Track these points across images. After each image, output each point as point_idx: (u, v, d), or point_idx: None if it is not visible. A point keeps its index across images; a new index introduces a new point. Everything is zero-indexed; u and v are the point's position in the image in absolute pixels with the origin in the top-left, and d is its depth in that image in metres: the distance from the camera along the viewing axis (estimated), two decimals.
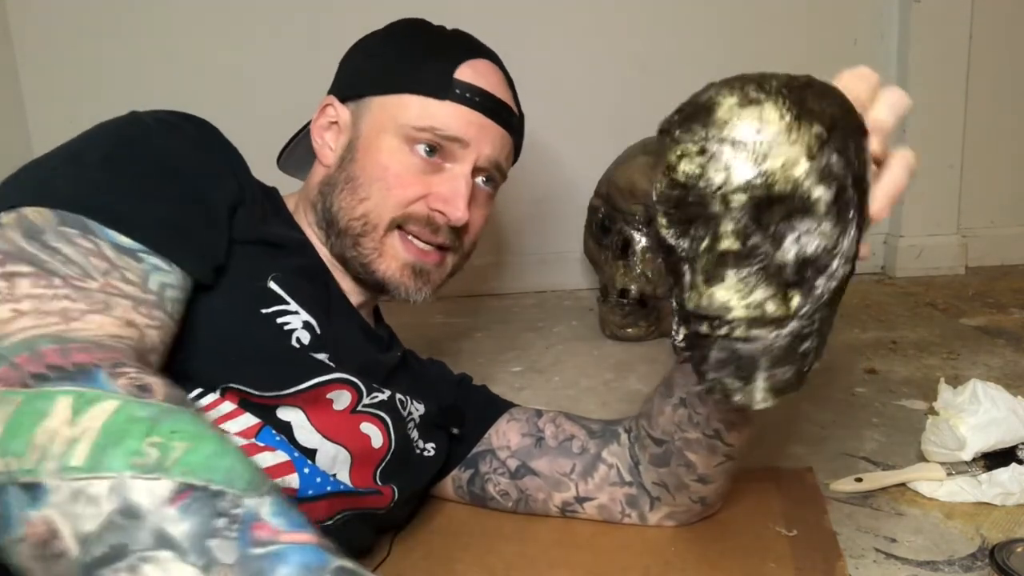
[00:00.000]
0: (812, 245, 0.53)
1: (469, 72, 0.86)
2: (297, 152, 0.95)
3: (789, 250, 0.53)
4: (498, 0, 1.81)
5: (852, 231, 0.55)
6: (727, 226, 0.54)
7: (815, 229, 0.53)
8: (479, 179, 0.87)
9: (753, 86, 0.54)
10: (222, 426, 0.68)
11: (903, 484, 0.94)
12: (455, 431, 0.91)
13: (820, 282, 0.55)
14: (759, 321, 0.55)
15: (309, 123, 0.93)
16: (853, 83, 0.57)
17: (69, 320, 0.55)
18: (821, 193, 0.52)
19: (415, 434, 0.86)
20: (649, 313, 1.56)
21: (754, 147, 0.52)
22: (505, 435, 0.92)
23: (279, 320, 0.74)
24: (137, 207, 0.64)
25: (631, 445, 0.86)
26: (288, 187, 0.94)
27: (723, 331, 0.56)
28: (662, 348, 1.52)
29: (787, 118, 0.52)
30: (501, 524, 0.91)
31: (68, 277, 0.58)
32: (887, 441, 1.07)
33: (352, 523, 0.77)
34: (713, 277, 0.55)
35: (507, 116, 0.88)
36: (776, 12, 1.86)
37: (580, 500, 0.88)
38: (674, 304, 0.60)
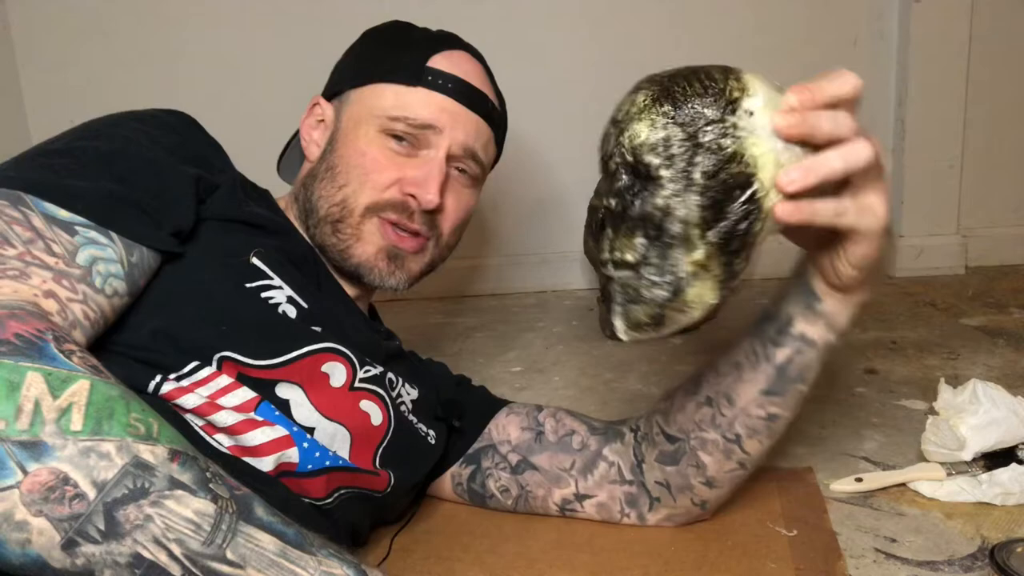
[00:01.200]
0: (650, 205, 0.63)
1: (443, 61, 0.88)
2: (292, 158, 0.97)
3: (635, 207, 0.64)
4: (498, 1, 1.81)
5: (690, 197, 0.62)
6: (612, 186, 0.66)
7: (654, 192, 0.63)
8: (455, 167, 0.89)
9: (649, 76, 0.67)
10: (219, 400, 0.69)
11: (903, 484, 0.94)
12: (456, 423, 0.92)
13: (665, 239, 0.64)
14: (617, 264, 0.66)
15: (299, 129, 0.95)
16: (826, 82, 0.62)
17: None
18: (654, 160, 0.62)
19: (413, 418, 0.86)
20: None
21: (620, 124, 0.64)
22: (505, 429, 0.92)
23: (263, 295, 0.75)
24: (80, 183, 0.65)
25: (636, 444, 0.86)
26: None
27: (601, 272, 0.69)
28: (662, 348, 1.52)
29: (647, 100, 0.64)
30: (501, 524, 0.91)
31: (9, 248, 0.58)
32: (887, 441, 1.07)
33: (351, 503, 0.77)
34: (601, 231, 0.69)
35: (482, 103, 0.89)
36: (776, 12, 1.86)
37: (580, 497, 0.88)
38: None
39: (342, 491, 0.76)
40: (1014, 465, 0.90)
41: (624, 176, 0.65)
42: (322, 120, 0.92)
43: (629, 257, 0.65)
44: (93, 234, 0.63)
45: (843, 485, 0.94)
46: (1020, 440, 0.92)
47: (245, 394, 0.70)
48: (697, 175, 0.62)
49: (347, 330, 0.81)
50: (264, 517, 0.52)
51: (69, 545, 0.46)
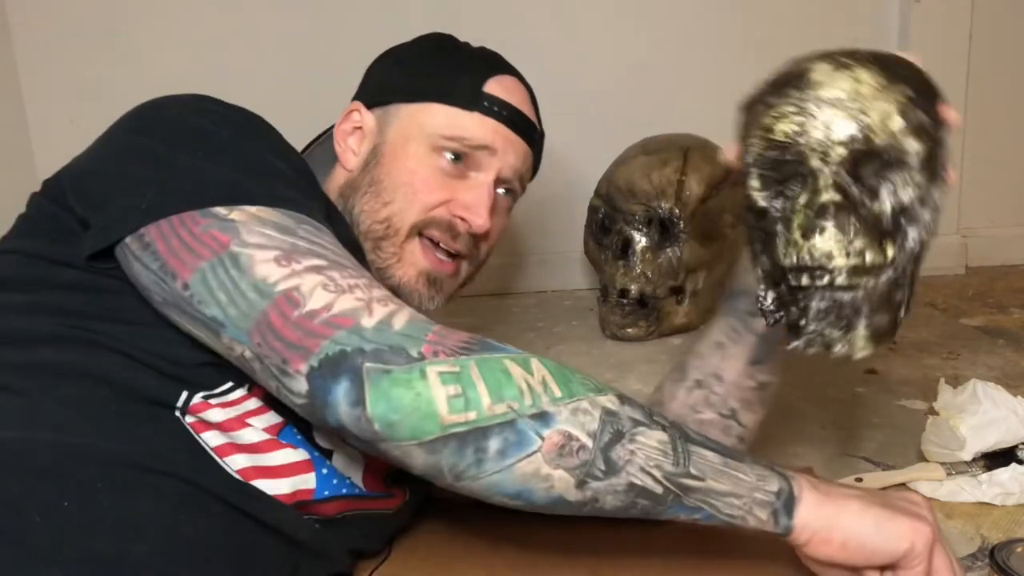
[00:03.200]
0: (907, 196, 0.58)
1: (497, 87, 0.88)
2: (314, 157, 0.96)
3: (885, 200, 0.58)
4: (497, 1, 1.81)
5: (941, 185, 0.59)
6: (826, 180, 0.58)
7: (909, 181, 0.58)
8: (500, 189, 0.90)
9: (842, 54, 0.59)
10: (247, 421, 0.68)
11: (903, 484, 0.94)
12: None
13: (912, 232, 0.59)
14: (859, 269, 0.59)
15: (327, 130, 0.94)
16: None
17: (390, 302, 0.63)
18: (915, 146, 0.57)
19: None
20: (649, 313, 1.56)
21: (852, 105, 0.57)
22: None
23: None
24: (299, 200, 0.69)
25: None
26: None
27: (825, 280, 0.60)
28: (662, 348, 1.52)
29: (879, 79, 0.57)
30: (502, 524, 0.91)
31: (348, 266, 0.65)
32: (887, 441, 1.07)
33: (355, 522, 0.77)
34: (811, 230, 0.59)
35: (530, 132, 0.91)
36: (776, 12, 1.86)
37: None
38: (762, 268, 0.65)
39: (350, 512, 0.76)
40: (1014, 465, 0.90)
41: (848, 165, 0.57)
42: (359, 127, 0.90)
43: (878, 258, 0.59)
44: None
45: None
46: (1020, 440, 0.92)
47: (272, 418, 0.70)
48: (938, 167, 0.59)
49: None
50: (697, 436, 0.63)
51: (581, 485, 0.59)
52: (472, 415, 0.57)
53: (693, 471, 0.61)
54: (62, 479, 0.58)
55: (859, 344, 0.61)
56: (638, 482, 0.60)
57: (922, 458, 0.97)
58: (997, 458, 0.92)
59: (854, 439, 1.08)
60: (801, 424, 1.13)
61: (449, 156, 0.85)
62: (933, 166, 0.58)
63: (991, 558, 0.70)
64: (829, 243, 0.58)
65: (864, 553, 0.63)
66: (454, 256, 0.88)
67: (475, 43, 0.95)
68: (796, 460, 1.02)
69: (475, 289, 1.96)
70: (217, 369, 0.67)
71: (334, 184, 0.90)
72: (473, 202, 0.85)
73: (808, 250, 0.59)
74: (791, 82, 0.59)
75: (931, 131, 0.58)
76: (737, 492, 0.62)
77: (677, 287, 1.57)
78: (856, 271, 0.59)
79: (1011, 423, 0.92)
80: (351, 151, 0.90)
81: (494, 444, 0.57)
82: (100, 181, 0.70)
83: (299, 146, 0.97)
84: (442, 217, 0.85)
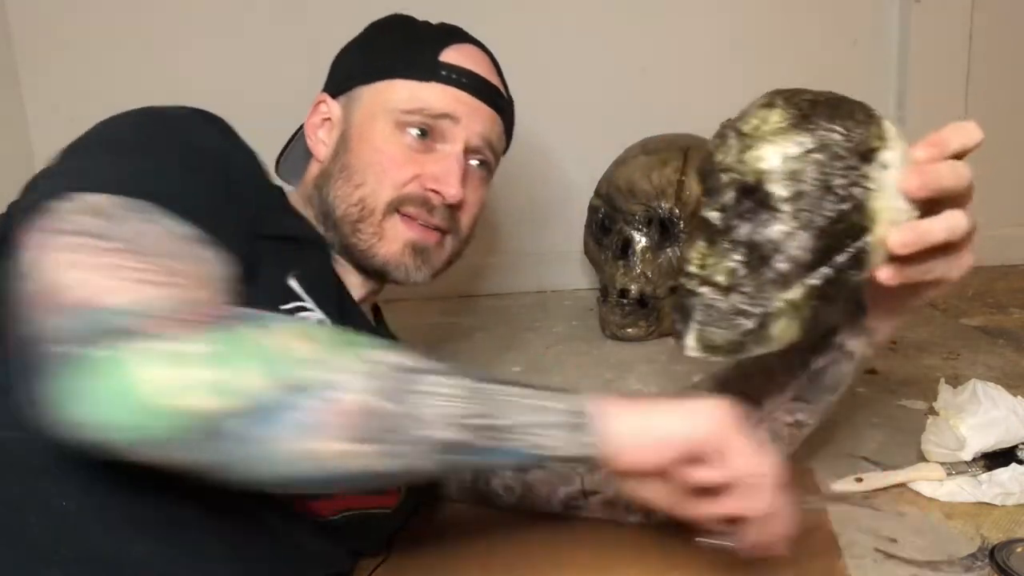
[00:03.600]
0: (760, 235, 0.61)
1: (455, 55, 0.87)
2: (292, 157, 0.96)
3: (743, 232, 0.62)
4: (497, 0, 1.81)
5: (804, 237, 0.60)
6: (718, 199, 0.63)
7: (768, 222, 0.61)
8: (472, 160, 0.89)
9: (786, 94, 0.62)
10: None
11: (903, 484, 0.94)
12: None
13: (766, 272, 0.61)
14: (705, 281, 0.64)
15: (301, 126, 0.94)
16: (949, 134, 0.64)
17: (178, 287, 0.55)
18: (779, 191, 0.60)
19: None
20: (649, 313, 1.56)
21: (748, 139, 0.61)
22: None
23: (299, 316, 0.74)
24: (182, 194, 0.63)
25: None
26: None
27: (682, 280, 0.67)
28: (662, 348, 1.51)
29: (783, 124, 0.60)
30: (501, 524, 0.91)
31: (152, 255, 0.57)
32: (887, 441, 1.07)
33: (358, 522, 0.77)
34: (692, 237, 0.67)
35: (495, 97, 0.89)
36: (776, 12, 1.86)
37: (586, 494, 0.88)
38: None
39: (349, 512, 0.76)
40: (1014, 465, 0.90)
41: (733, 193, 0.62)
42: (328, 118, 0.90)
43: (721, 279, 0.63)
44: (206, 250, 0.62)
45: (843, 485, 0.94)
46: (1020, 440, 0.92)
47: None
48: (819, 219, 0.59)
49: None
50: (483, 373, 0.58)
51: (382, 454, 0.52)
52: (230, 398, 0.48)
53: (490, 410, 0.55)
54: (61, 479, 0.58)
55: (688, 342, 0.66)
56: (443, 436, 0.53)
57: (922, 458, 0.97)
58: (997, 458, 0.92)
59: (854, 439, 1.08)
60: None
61: (414, 132, 0.85)
62: (798, 216, 0.60)
63: (991, 558, 0.70)
64: (695, 252, 0.65)
65: (680, 443, 0.57)
66: (436, 230, 0.87)
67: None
68: (796, 460, 1.02)
69: (475, 289, 1.97)
70: None
71: (309, 178, 0.90)
72: (443, 173, 0.84)
73: (684, 251, 0.68)
74: (742, 112, 0.64)
75: (812, 184, 0.59)
76: (543, 421, 0.56)
77: (677, 287, 1.56)
78: (702, 281, 0.64)
79: (1011, 423, 0.92)
80: (322, 143, 0.90)
81: (265, 426, 0.49)
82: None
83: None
84: (415, 192, 0.84)
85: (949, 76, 1.86)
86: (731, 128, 0.63)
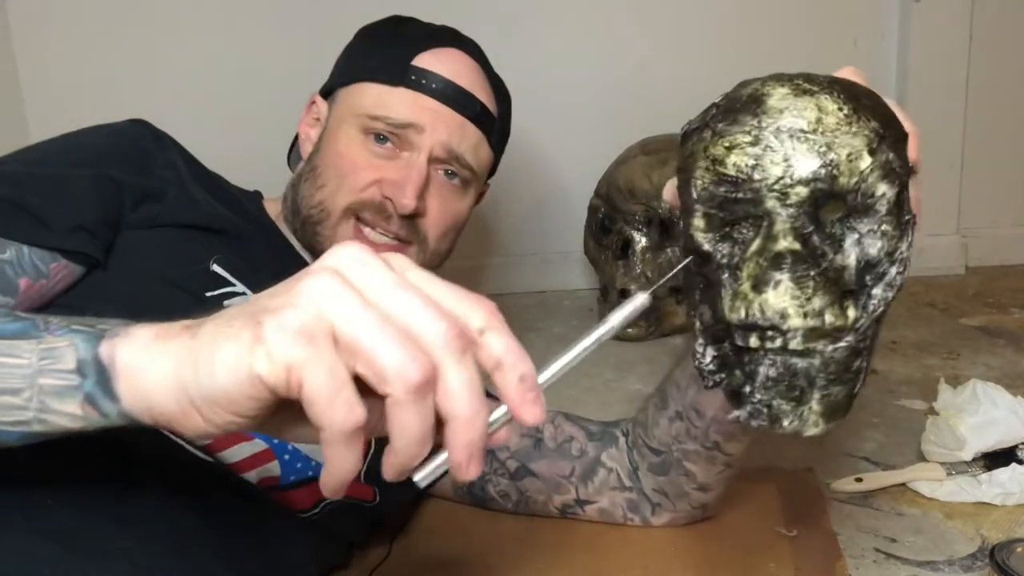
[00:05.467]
0: (874, 248, 0.50)
1: (429, 59, 0.86)
2: (293, 155, 0.97)
3: (850, 252, 0.50)
4: (497, 1, 1.81)
5: (910, 234, 0.51)
6: (783, 224, 0.49)
7: (877, 230, 0.50)
8: (441, 171, 0.86)
9: (801, 79, 0.50)
10: None
11: (903, 484, 0.94)
12: None
13: (877, 291, 0.51)
14: (817, 332, 0.49)
15: None
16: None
17: None
18: (885, 190, 0.49)
19: None
20: (649, 313, 1.55)
21: (816, 138, 0.48)
22: None
23: (226, 303, 0.73)
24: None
25: (629, 450, 0.86)
26: None
27: (777, 343, 0.50)
28: (662, 348, 1.51)
29: (845, 110, 0.48)
30: (501, 524, 0.91)
31: None
32: (887, 441, 1.07)
33: (338, 513, 0.76)
34: (763, 282, 0.49)
35: (469, 105, 0.86)
36: (776, 12, 1.86)
37: (580, 503, 0.88)
38: (703, 320, 0.55)
39: (327, 502, 0.75)
40: (1014, 465, 0.90)
41: (826, 206, 0.49)
42: (318, 118, 0.91)
43: (838, 321, 0.49)
44: None
45: (843, 485, 0.94)
46: (1020, 440, 0.92)
47: None
48: (905, 215, 0.50)
49: None
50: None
51: None
52: None
53: None
54: (45, 481, 0.57)
55: (811, 420, 0.52)
56: None
57: (922, 458, 0.97)
58: (997, 458, 0.92)
59: (854, 439, 1.08)
60: None
61: (377, 137, 0.84)
62: (901, 214, 0.50)
63: (991, 558, 0.70)
64: (784, 299, 0.49)
65: (252, 384, 0.35)
66: (395, 240, 0.85)
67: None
68: (796, 460, 1.02)
69: (475, 289, 1.96)
70: None
71: (294, 174, 0.91)
72: (400, 180, 0.83)
73: (760, 306, 0.49)
74: (745, 107, 0.50)
75: (900, 173, 0.50)
76: (9, 387, 0.42)
77: (677, 287, 1.56)
78: (813, 334, 0.49)
79: (1011, 423, 0.92)
80: (309, 141, 0.91)
81: None
82: None
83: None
84: (372, 199, 0.83)
85: (949, 76, 1.85)
86: (765, 130, 0.48)
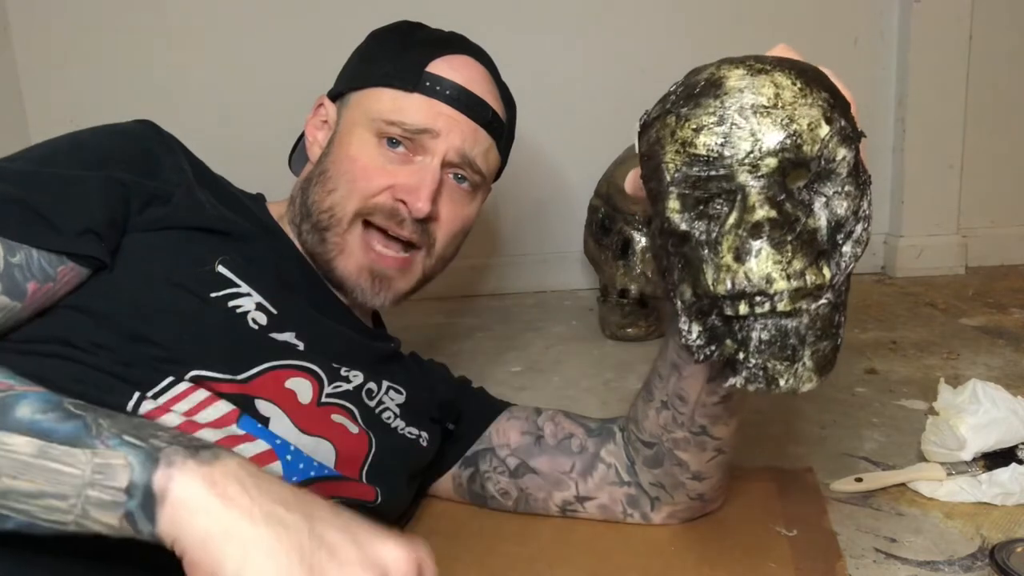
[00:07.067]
0: (841, 208, 0.54)
1: (443, 66, 0.86)
2: (302, 156, 0.96)
3: (820, 215, 0.54)
4: (498, 1, 1.81)
5: (868, 193, 0.55)
6: (757, 195, 0.52)
7: (841, 191, 0.54)
8: (452, 175, 0.87)
9: (752, 59, 0.54)
10: (197, 416, 0.67)
11: (903, 484, 0.94)
12: (450, 426, 0.91)
13: (847, 248, 0.55)
14: (801, 292, 0.53)
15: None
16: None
17: None
18: (844, 153, 0.53)
19: (400, 423, 0.85)
20: (649, 313, 1.56)
21: (776, 112, 0.52)
22: (505, 433, 0.91)
23: (231, 303, 0.74)
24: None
25: (625, 445, 0.86)
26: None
27: (766, 307, 0.53)
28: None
29: (799, 84, 0.52)
30: (501, 524, 0.91)
31: None
32: (887, 441, 1.07)
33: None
34: (744, 252, 0.53)
35: (482, 111, 0.87)
36: (776, 12, 1.86)
37: (580, 499, 0.88)
38: (682, 300, 0.58)
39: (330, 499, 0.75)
40: (1014, 465, 0.90)
41: (794, 174, 0.53)
42: (326, 121, 0.91)
43: (818, 279, 0.53)
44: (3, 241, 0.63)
45: (843, 485, 0.94)
46: (1020, 440, 0.92)
47: (224, 407, 0.68)
48: (862, 174, 0.55)
49: (324, 336, 0.80)
50: (26, 417, 0.48)
51: None
52: None
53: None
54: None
55: (805, 376, 0.55)
56: None
57: (922, 458, 0.97)
58: (997, 458, 0.92)
59: (854, 439, 1.08)
60: (801, 424, 1.13)
61: (392, 143, 0.84)
62: (859, 175, 0.54)
63: (991, 558, 0.70)
64: (767, 265, 0.52)
65: None
66: (406, 246, 0.85)
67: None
68: (796, 460, 1.02)
69: (475, 289, 1.97)
70: (148, 363, 0.67)
71: (301, 177, 0.91)
72: (414, 185, 0.83)
73: (744, 274, 0.52)
74: (705, 91, 0.53)
75: (853, 137, 0.54)
76: (58, 492, 0.47)
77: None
78: (798, 294, 0.53)
79: (1011, 423, 0.92)
80: (317, 144, 0.90)
81: None
82: None
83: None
84: (384, 203, 0.83)
85: (949, 76, 1.86)
86: (728, 109, 0.52)
